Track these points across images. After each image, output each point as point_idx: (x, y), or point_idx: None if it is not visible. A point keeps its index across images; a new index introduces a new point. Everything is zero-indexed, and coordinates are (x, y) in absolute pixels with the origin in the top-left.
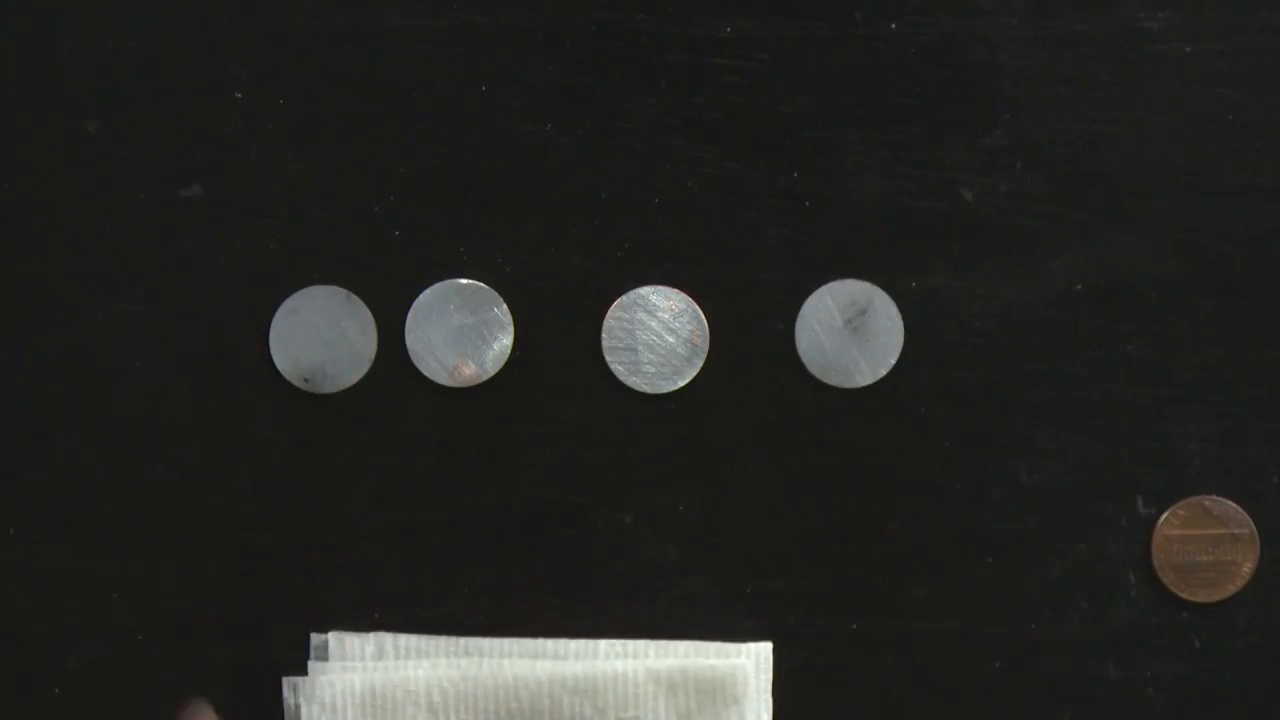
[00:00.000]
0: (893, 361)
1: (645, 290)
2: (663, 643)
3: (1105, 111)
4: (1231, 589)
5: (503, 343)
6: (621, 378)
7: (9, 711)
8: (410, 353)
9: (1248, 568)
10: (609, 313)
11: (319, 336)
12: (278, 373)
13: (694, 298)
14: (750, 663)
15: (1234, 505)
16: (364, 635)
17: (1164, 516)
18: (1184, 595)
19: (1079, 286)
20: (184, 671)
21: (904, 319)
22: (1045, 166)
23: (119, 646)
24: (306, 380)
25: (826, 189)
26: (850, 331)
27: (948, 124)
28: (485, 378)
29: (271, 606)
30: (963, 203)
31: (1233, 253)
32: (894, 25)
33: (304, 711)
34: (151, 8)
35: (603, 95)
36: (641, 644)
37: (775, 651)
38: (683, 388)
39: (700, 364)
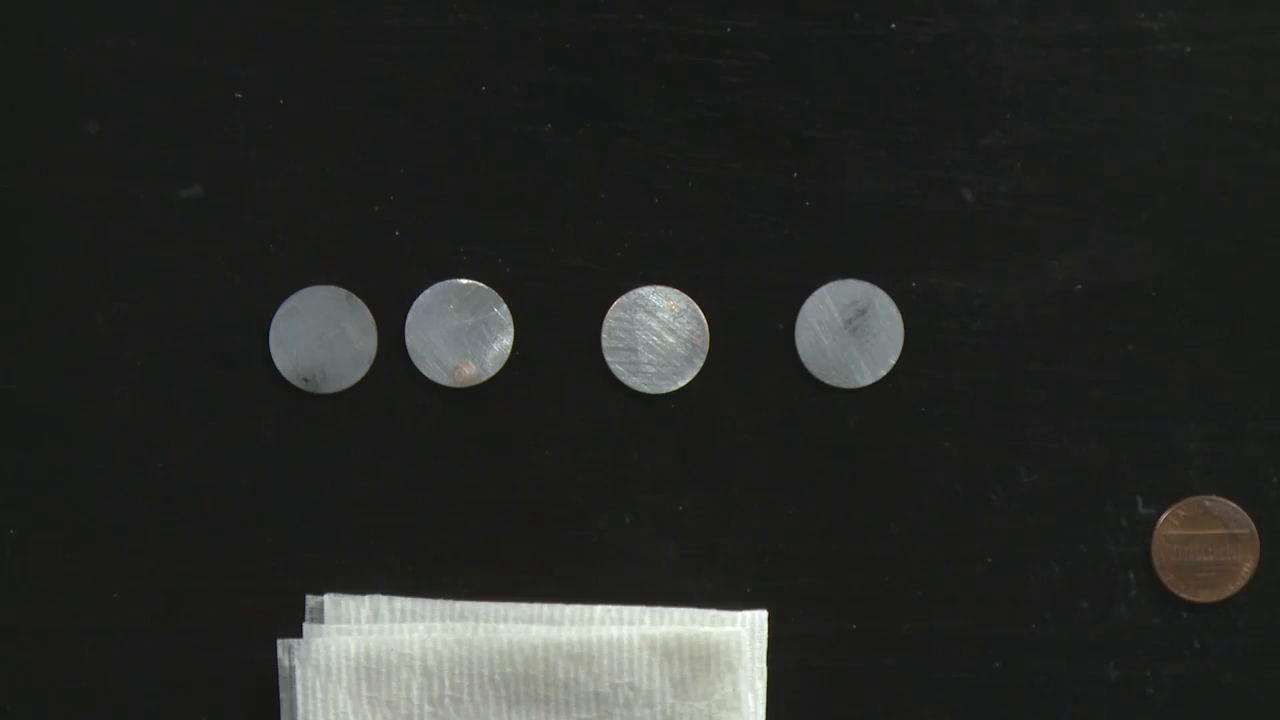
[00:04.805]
0: (893, 361)
1: (645, 290)
2: (658, 609)
3: (1105, 111)
4: (1231, 589)
5: (503, 343)
6: (621, 378)
7: (9, 711)
8: (410, 353)
9: (1248, 568)
10: (609, 313)
11: (319, 336)
12: (278, 373)
13: (694, 298)
14: (745, 630)
15: (1234, 505)
16: (359, 598)
17: (1164, 516)
18: (1184, 595)
19: (1079, 286)
20: (184, 671)
21: (904, 319)
22: (1045, 166)
23: (118, 646)
24: (306, 380)
25: (826, 189)
26: (850, 331)
27: (948, 124)
28: (485, 378)
29: (272, 606)
30: (963, 203)
31: (1233, 253)
32: (894, 25)
33: (298, 674)
34: (151, 8)
35: (603, 95)
36: (637, 610)
37: (776, 651)
38: (683, 388)
39: (700, 364)
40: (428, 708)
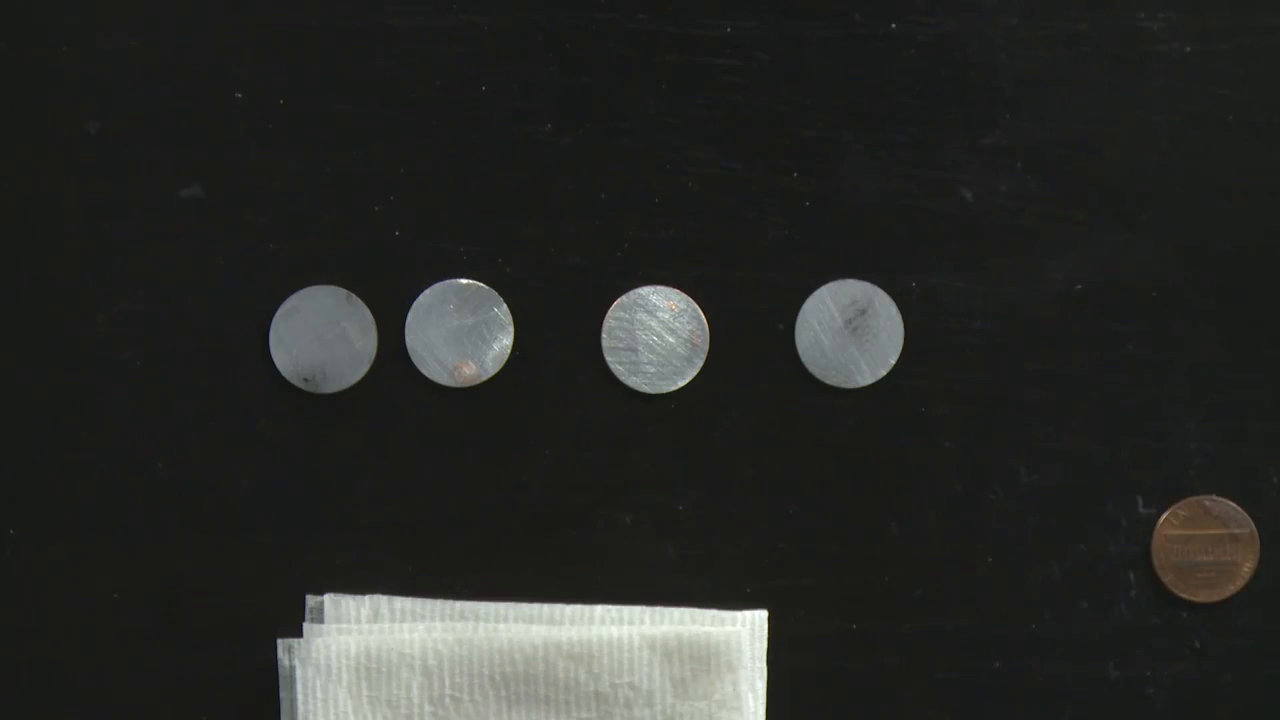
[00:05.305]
0: (893, 361)
1: (645, 290)
2: (658, 609)
3: (1105, 111)
4: (1231, 589)
5: (503, 343)
6: (621, 378)
7: (10, 711)
8: (410, 353)
9: (1248, 568)
10: (609, 313)
11: (319, 336)
12: (278, 373)
13: (694, 298)
14: (745, 630)
15: (1234, 505)
16: (359, 598)
17: (1164, 516)
18: (1184, 595)
19: (1079, 286)
20: (184, 671)
21: (904, 319)
22: (1045, 166)
23: (118, 646)
24: (306, 380)
25: (826, 189)
26: (850, 331)
27: (948, 124)
28: (485, 378)
29: (272, 606)
30: (963, 203)
31: (1233, 253)
32: (894, 25)
33: (299, 674)
34: (151, 8)
35: (603, 95)
36: (637, 610)
37: (776, 651)
38: (683, 388)
39: (700, 364)
40: (428, 707)
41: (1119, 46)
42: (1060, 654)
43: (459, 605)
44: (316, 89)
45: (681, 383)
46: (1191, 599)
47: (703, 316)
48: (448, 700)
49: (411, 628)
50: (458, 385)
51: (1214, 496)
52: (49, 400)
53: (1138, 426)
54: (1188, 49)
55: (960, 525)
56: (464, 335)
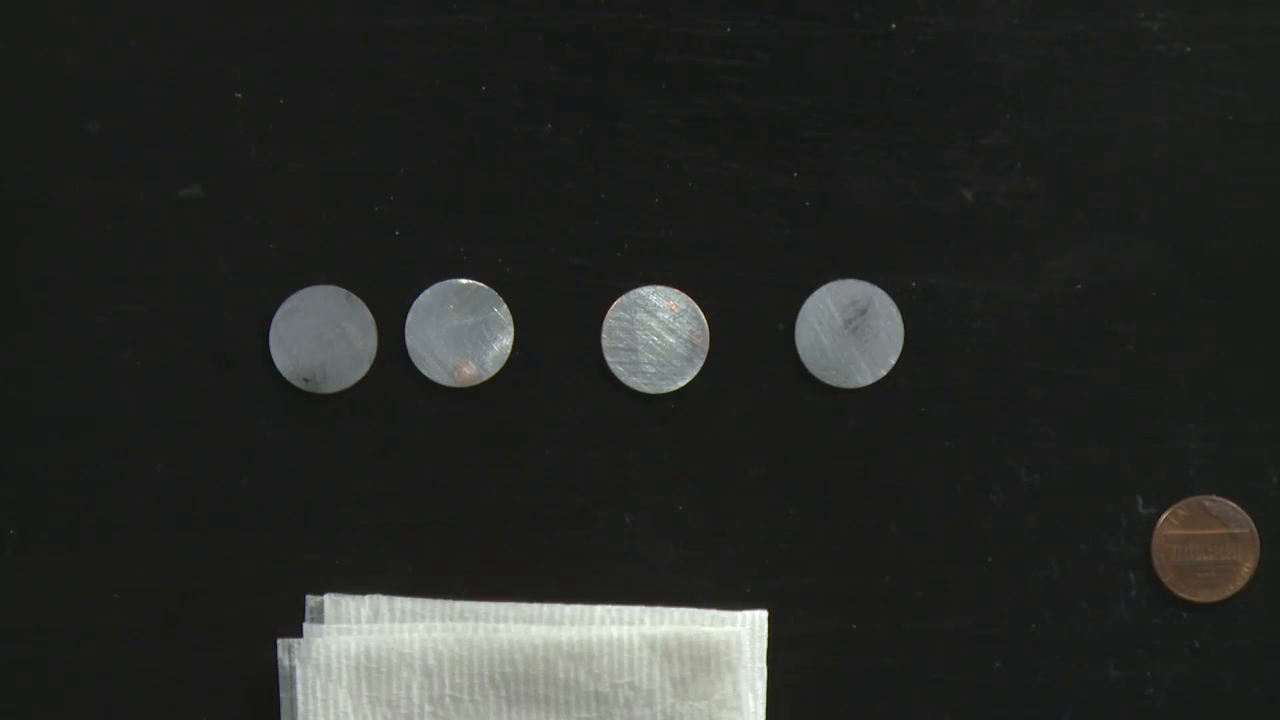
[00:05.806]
0: (893, 361)
1: (645, 290)
2: (658, 609)
3: (1105, 111)
4: (1231, 589)
5: (503, 343)
6: (621, 378)
7: (9, 711)
8: (410, 353)
9: (1248, 568)
10: (609, 313)
11: (319, 336)
12: (278, 373)
13: (694, 298)
14: (745, 630)
15: (1234, 505)
16: (359, 598)
17: (1164, 516)
18: (1184, 595)
19: (1079, 286)
20: (185, 671)
21: (904, 319)
22: (1045, 166)
23: (120, 646)
24: (306, 380)
25: (826, 189)
26: (850, 331)
27: (948, 124)
28: (485, 378)
29: (272, 606)
30: (963, 203)
31: (1233, 253)
32: (894, 25)
33: (299, 674)
34: (151, 8)
35: (603, 95)
36: (637, 610)
37: (776, 651)
38: (683, 388)
39: (700, 364)
40: (428, 707)
41: (1119, 46)
42: (1060, 654)
43: (459, 605)
44: (316, 89)
45: (681, 383)
46: (1191, 599)
47: (703, 316)
48: (448, 700)
49: (411, 628)
50: (458, 385)
51: (1214, 496)
52: (49, 400)
53: (1138, 426)
54: (1188, 49)
55: (960, 525)
56: (464, 335)
